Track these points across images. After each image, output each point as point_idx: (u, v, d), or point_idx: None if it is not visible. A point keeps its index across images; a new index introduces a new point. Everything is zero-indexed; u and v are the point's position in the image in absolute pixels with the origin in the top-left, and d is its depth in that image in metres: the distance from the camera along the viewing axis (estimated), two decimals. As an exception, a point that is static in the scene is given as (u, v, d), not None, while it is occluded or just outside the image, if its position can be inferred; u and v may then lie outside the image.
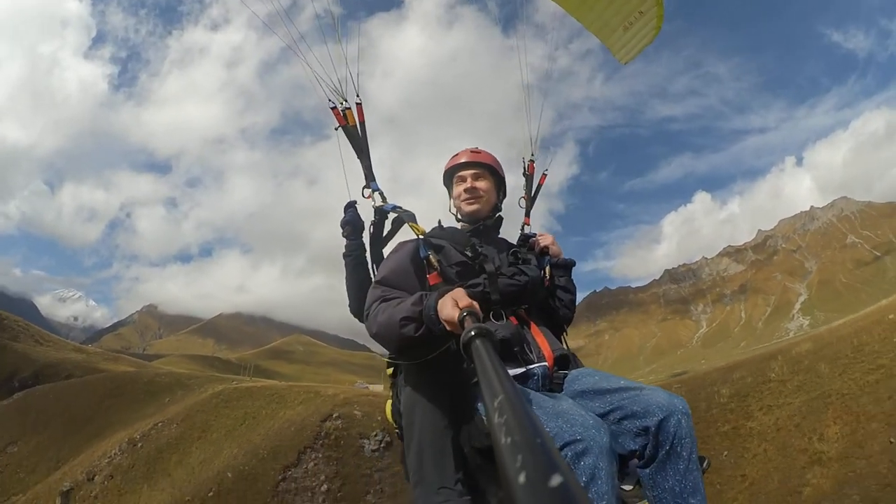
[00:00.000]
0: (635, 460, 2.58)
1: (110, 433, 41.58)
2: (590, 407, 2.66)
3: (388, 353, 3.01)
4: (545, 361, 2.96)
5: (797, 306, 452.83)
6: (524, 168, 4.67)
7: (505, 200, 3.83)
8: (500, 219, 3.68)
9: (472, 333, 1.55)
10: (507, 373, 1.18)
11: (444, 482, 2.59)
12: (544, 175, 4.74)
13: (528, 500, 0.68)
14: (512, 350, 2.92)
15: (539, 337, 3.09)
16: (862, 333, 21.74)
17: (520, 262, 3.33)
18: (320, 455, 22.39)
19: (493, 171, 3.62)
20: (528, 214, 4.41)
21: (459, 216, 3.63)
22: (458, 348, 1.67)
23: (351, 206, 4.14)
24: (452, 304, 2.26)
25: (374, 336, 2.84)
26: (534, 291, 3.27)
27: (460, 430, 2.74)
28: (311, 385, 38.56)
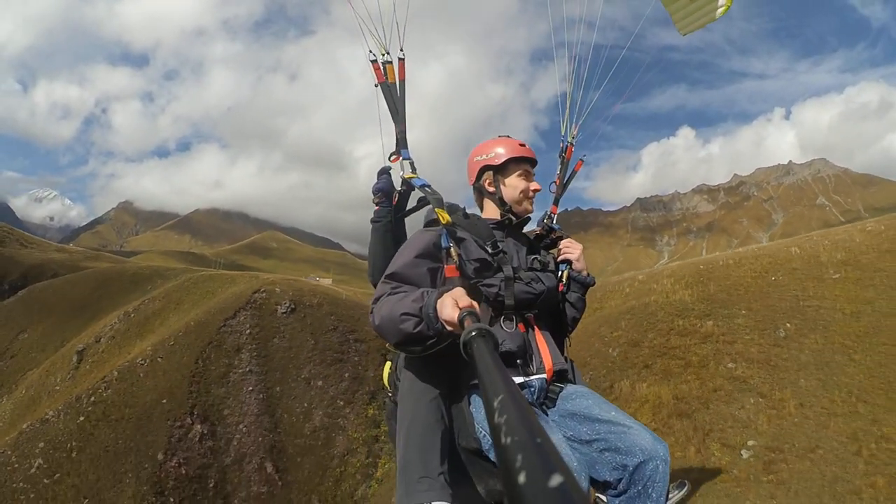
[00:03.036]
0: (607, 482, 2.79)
1: (105, 314, 56.86)
2: (577, 430, 2.90)
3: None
4: (544, 374, 3.14)
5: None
6: (561, 150, 4.48)
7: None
8: (528, 218, 3.67)
9: (473, 333, 1.59)
10: (508, 373, 1.21)
11: (428, 473, 2.73)
12: (581, 161, 4.51)
13: (529, 500, 0.70)
14: (514, 362, 3.09)
15: (542, 346, 3.24)
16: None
17: (539, 266, 3.44)
18: (248, 312, 37.93)
19: None
20: (556, 203, 4.30)
21: (512, 207, 3.57)
22: (459, 347, 1.70)
23: (385, 173, 4.14)
24: (452, 305, 2.32)
25: (377, 328, 2.90)
26: (547, 300, 3.36)
27: (451, 426, 2.94)
28: (254, 273, 54.25)
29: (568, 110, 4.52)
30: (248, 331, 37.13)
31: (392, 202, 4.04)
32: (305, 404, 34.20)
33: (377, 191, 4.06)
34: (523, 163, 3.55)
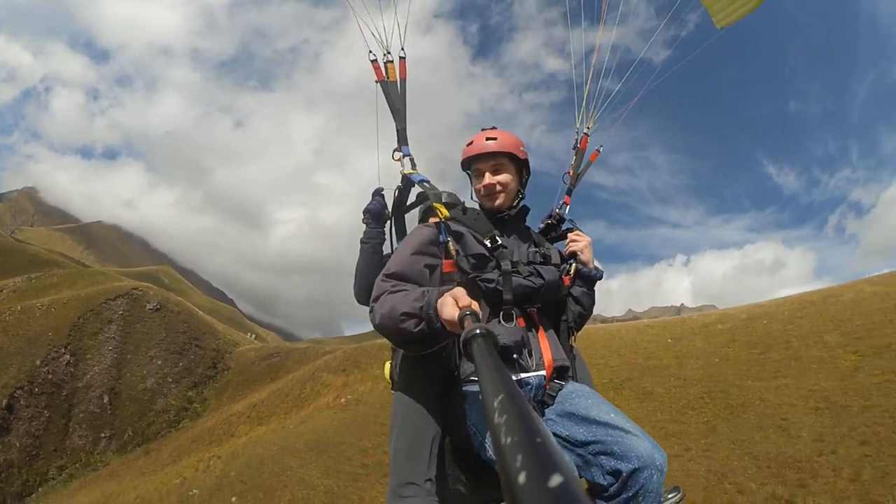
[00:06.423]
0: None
1: (3, 279, 70.69)
2: (573, 431, 2.86)
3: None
4: (544, 371, 3.11)
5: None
6: (576, 142, 4.57)
7: (530, 179, 3.73)
8: (526, 209, 3.62)
9: (473, 333, 1.65)
10: (508, 372, 1.24)
11: (414, 479, 2.78)
12: (597, 151, 4.65)
13: (529, 500, 0.72)
14: (510, 357, 3.06)
15: (543, 342, 3.21)
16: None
17: (540, 260, 3.37)
18: (125, 300, 53.34)
19: (512, 157, 3.50)
20: (569, 193, 4.34)
21: (482, 207, 3.57)
22: (459, 347, 1.83)
23: (378, 194, 4.22)
24: (452, 304, 2.36)
25: (377, 327, 2.93)
26: (548, 294, 3.30)
27: (444, 428, 2.99)
28: (135, 281, 70.41)
29: (585, 101, 4.57)
30: (120, 311, 53.42)
31: (382, 224, 4.15)
32: (145, 371, 50.22)
33: (366, 211, 4.16)
34: (473, 163, 3.54)
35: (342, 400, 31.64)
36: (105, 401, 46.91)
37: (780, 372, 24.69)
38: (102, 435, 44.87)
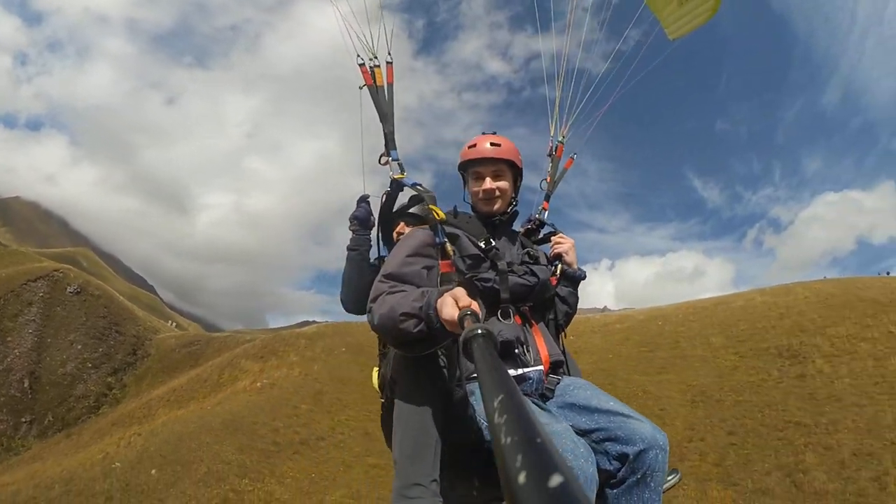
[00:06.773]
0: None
1: None
2: (576, 421, 2.93)
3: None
4: (541, 365, 3.19)
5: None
6: (551, 149, 4.72)
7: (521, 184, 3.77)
8: (516, 213, 3.73)
9: (473, 333, 1.67)
10: (508, 372, 1.25)
11: (419, 479, 2.76)
12: (571, 159, 4.81)
13: (528, 500, 0.72)
14: (512, 352, 3.13)
15: (539, 338, 3.32)
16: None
17: (531, 260, 3.51)
18: (45, 282, 53.90)
19: (512, 165, 3.59)
20: (547, 199, 4.49)
21: (475, 210, 3.64)
22: (459, 347, 1.80)
23: (364, 201, 4.33)
24: (452, 304, 2.36)
25: (376, 328, 2.94)
26: (542, 292, 3.44)
27: (448, 423, 2.95)
28: (55, 263, 70.66)
29: (557, 110, 4.69)
30: (41, 294, 54.17)
31: (369, 231, 4.23)
32: (65, 356, 51.31)
33: (353, 218, 4.23)
34: (470, 166, 3.59)
35: (258, 384, 33.52)
36: (25, 385, 47.95)
37: (665, 368, 27.60)
38: (23, 420, 45.84)
